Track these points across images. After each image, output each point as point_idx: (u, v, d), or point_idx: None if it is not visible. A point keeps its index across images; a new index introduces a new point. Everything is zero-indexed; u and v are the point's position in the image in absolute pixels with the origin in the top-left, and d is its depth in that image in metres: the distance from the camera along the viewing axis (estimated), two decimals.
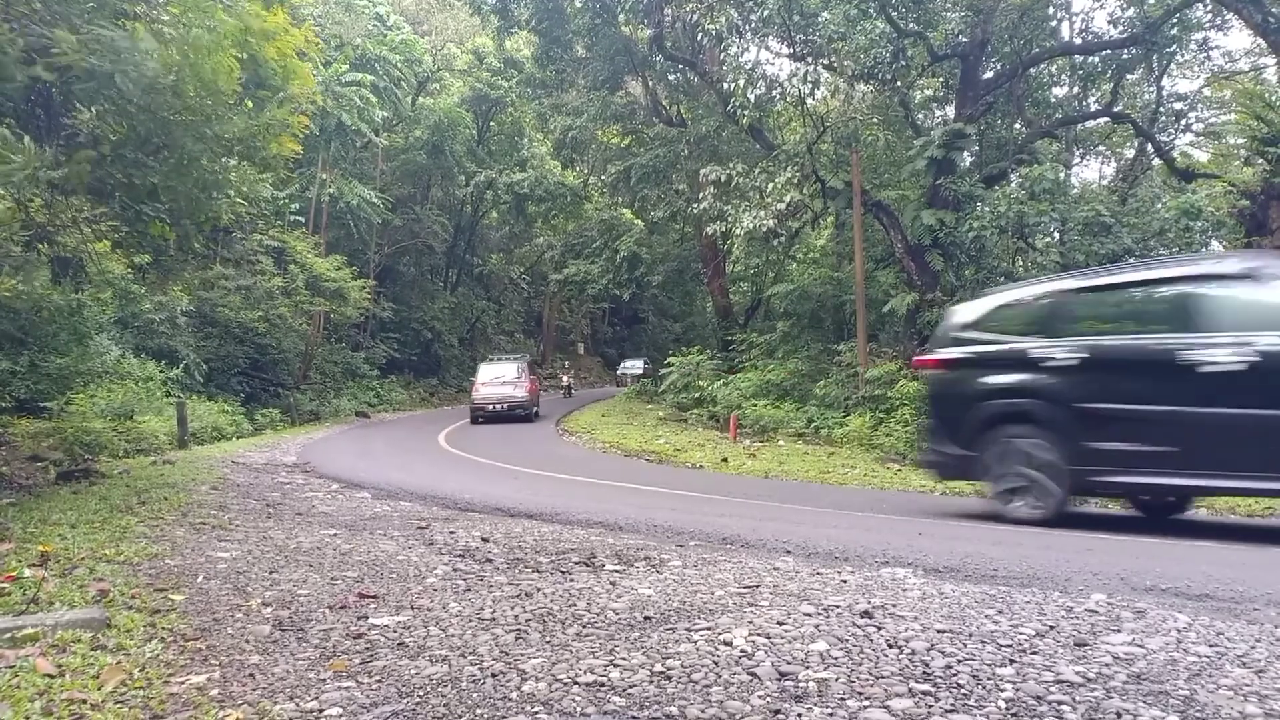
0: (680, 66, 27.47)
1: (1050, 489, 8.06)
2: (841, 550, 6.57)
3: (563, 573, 5.54)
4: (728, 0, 21.23)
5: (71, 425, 14.00)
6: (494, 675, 3.48)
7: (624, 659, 3.63)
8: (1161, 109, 23.45)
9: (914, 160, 20.66)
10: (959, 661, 3.53)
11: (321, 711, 3.15)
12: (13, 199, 8.10)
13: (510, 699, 3.22)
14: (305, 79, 11.21)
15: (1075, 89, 24.70)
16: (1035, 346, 8.40)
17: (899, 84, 21.09)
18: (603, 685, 3.33)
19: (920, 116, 25.06)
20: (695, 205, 24.39)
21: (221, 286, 24.00)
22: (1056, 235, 22.30)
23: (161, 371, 19.66)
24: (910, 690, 3.22)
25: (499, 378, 27.68)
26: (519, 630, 4.12)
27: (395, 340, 36.22)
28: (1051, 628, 4.07)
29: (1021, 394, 8.37)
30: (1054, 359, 8.15)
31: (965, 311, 9.80)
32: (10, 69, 7.06)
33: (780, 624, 4.09)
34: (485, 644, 3.91)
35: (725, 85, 23.26)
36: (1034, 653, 3.67)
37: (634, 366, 47.79)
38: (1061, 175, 21.26)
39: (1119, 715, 2.98)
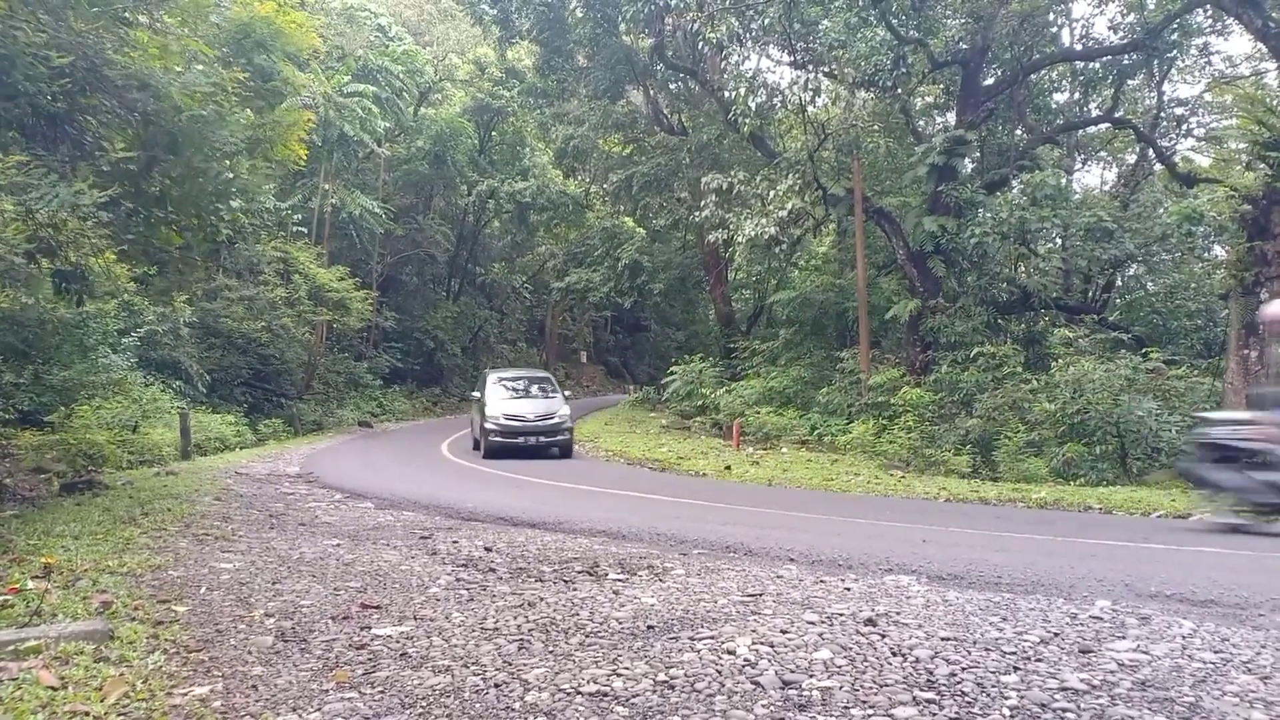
0: (681, 75, 27.55)
1: None
2: (845, 558, 6.55)
3: (566, 582, 5.53)
4: (729, 9, 21.29)
5: (75, 437, 14.01)
6: (497, 685, 3.47)
7: (627, 668, 3.63)
8: (1163, 114, 23.48)
9: (915, 167, 20.69)
10: (963, 669, 3.52)
11: None
12: (19, 214, 8.13)
13: (513, 709, 3.21)
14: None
15: (1076, 95, 24.74)
16: None
17: (900, 91, 21.12)
18: (606, 695, 3.33)
19: (921, 123, 25.11)
20: (697, 213, 24.43)
21: (224, 297, 24.03)
22: (1059, 241, 22.33)
23: (164, 385, 19.69)
24: (914, 698, 3.20)
25: None
26: (522, 640, 4.12)
27: (398, 350, 36.24)
28: (1056, 635, 4.05)
29: None
30: None
31: None
32: (36, 71, 7.05)
33: (784, 632, 4.08)
34: (488, 654, 3.90)
35: (726, 93, 23.32)
36: (1038, 660, 3.66)
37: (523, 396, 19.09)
38: (1063, 181, 21.25)
39: None
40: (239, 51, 10.62)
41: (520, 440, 17.50)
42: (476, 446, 19.15)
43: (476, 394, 19.67)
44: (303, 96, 11.26)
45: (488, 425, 17.57)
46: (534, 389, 19.50)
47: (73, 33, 7.45)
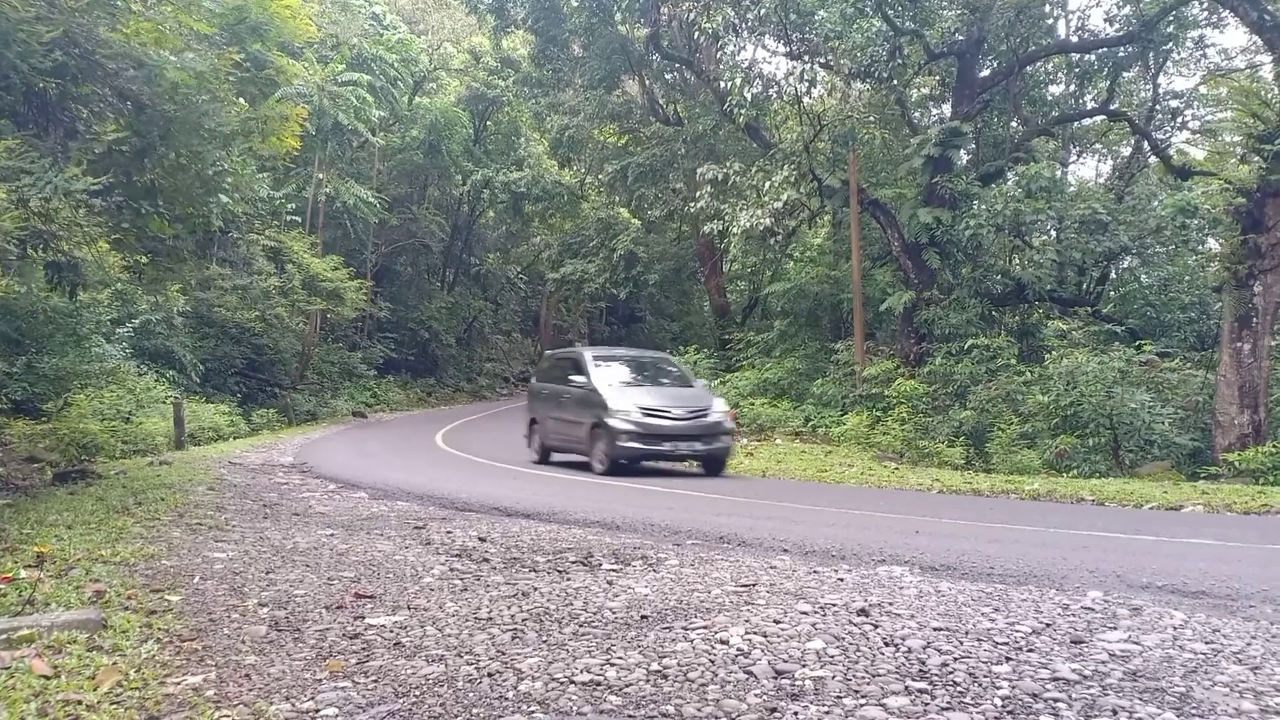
0: (677, 65, 27.47)
1: None
2: (838, 548, 6.57)
3: (559, 572, 5.54)
4: None
5: (68, 426, 13.98)
6: (490, 675, 3.47)
7: (620, 658, 3.63)
8: (1158, 106, 23.49)
9: (910, 158, 20.68)
10: (955, 659, 3.53)
11: (318, 712, 3.15)
12: (13, 201, 8.08)
13: (506, 698, 3.22)
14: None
15: (1072, 87, 24.73)
16: None
17: (895, 82, 21.10)
18: (599, 684, 3.33)
19: (917, 115, 25.09)
20: (692, 204, 24.41)
21: (218, 286, 23.95)
22: (1053, 233, 22.37)
23: (158, 374, 19.65)
24: (906, 688, 3.22)
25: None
26: (515, 630, 4.12)
27: (392, 340, 36.19)
28: (1048, 625, 4.07)
29: None
30: None
31: None
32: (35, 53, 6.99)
33: (777, 622, 4.09)
34: (482, 643, 3.91)
35: (722, 84, 23.27)
36: (1030, 650, 3.67)
37: None
38: (1058, 173, 21.34)
39: (1115, 713, 2.98)
40: (233, 38, 10.56)
41: (667, 447, 12.79)
42: (545, 458, 14.68)
43: (580, 379, 13.77)
44: (296, 86, 11.18)
45: (615, 425, 12.58)
46: (663, 376, 14.62)
47: (64, 12, 7.38)
